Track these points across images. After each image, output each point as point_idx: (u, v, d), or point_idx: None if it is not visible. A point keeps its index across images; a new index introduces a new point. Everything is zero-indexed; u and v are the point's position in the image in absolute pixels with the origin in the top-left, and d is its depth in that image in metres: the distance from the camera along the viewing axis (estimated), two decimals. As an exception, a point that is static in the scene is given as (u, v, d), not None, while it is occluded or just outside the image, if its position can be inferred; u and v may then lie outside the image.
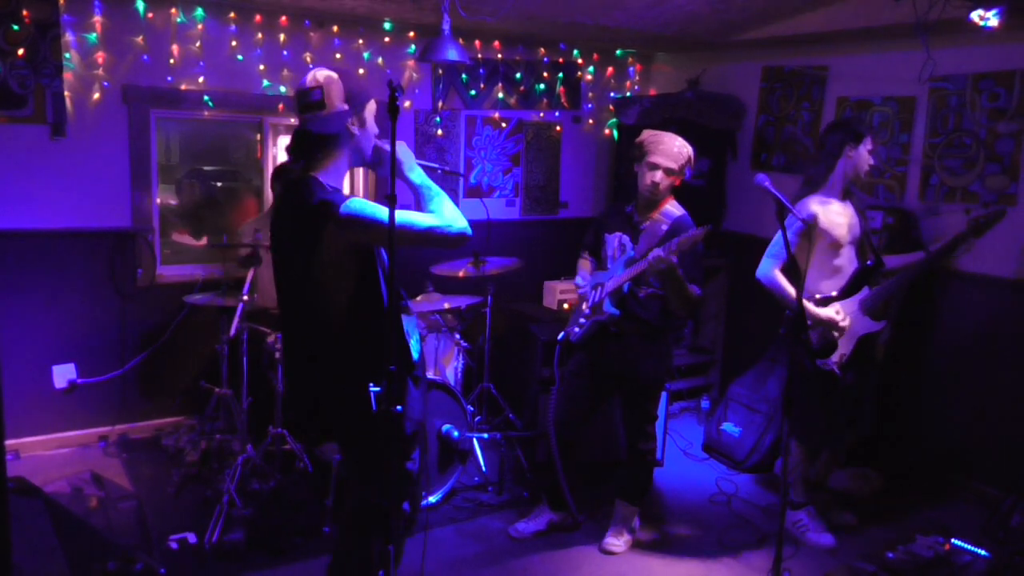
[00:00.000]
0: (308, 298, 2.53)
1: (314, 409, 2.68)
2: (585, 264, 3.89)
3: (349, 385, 2.50)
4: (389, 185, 2.27)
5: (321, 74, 2.51)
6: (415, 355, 2.64)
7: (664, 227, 3.56)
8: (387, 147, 2.52)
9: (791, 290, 3.72)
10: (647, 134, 3.63)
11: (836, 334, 3.81)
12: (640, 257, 3.52)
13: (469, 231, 2.49)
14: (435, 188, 2.57)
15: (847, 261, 3.83)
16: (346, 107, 2.50)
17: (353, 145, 2.56)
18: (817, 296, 3.82)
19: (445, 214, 2.48)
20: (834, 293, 3.83)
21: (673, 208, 3.63)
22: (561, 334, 3.86)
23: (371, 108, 2.58)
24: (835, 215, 3.77)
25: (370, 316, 2.50)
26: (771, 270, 3.79)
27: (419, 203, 2.57)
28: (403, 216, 2.35)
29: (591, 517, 4.12)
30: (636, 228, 3.65)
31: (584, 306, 3.76)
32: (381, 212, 2.35)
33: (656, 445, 3.95)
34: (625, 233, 3.69)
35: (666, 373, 3.89)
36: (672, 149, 3.53)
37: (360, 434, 2.59)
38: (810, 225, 3.73)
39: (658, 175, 3.52)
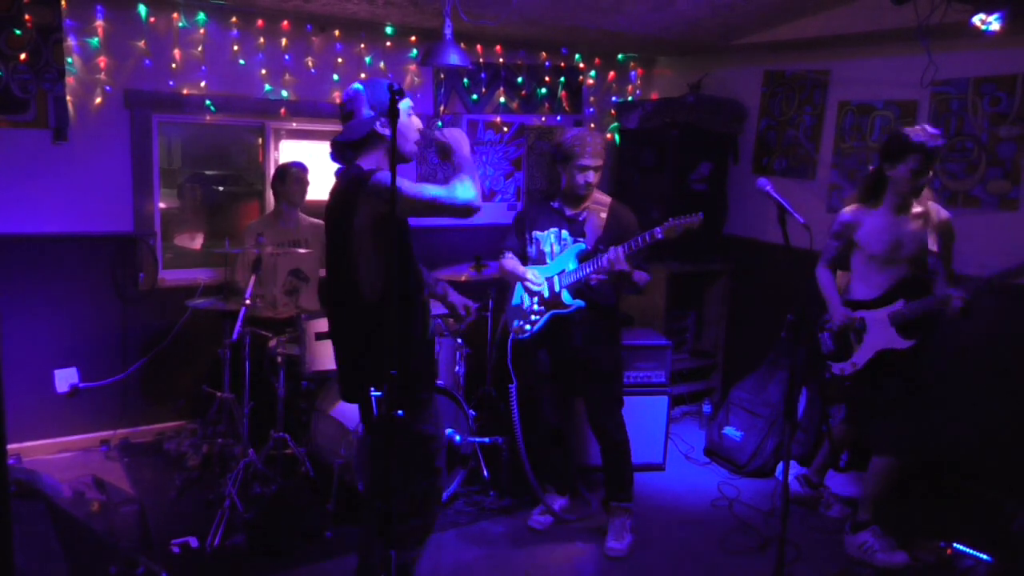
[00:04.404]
0: (345, 270, 2.74)
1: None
2: (513, 264, 3.91)
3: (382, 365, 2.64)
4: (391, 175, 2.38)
5: (351, 89, 2.78)
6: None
7: (603, 214, 3.79)
8: (443, 138, 2.81)
9: (831, 290, 3.88)
10: (571, 137, 3.73)
11: (853, 338, 3.79)
12: (595, 248, 3.69)
13: (475, 203, 2.65)
14: (465, 168, 2.74)
15: (891, 276, 3.71)
16: (372, 113, 2.72)
17: (387, 145, 2.74)
18: (846, 299, 3.86)
19: (456, 188, 2.64)
20: (862, 299, 3.79)
21: (600, 195, 3.85)
22: (511, 336, 3.94)
23: (405, 107, 2.75)
24: (876, 229, 3.70)
25: (401, 294, 2.71)
26: (819, 266, 3.95)
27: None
28: (413, 188, 2.62)
29: (588, 518, 4.13)
30: (574, 220, 3.82)
31: (531, 303, 3.83)
32: (407, 185, 2.60)
33: (627, 433, 3.97)
34: (560, 228, 3.81)
35: (621, 354, 4.03)
36: (599, 148, 3.71)
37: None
38: (845, 231, 3.81)
39: (591, 175, 3.71)
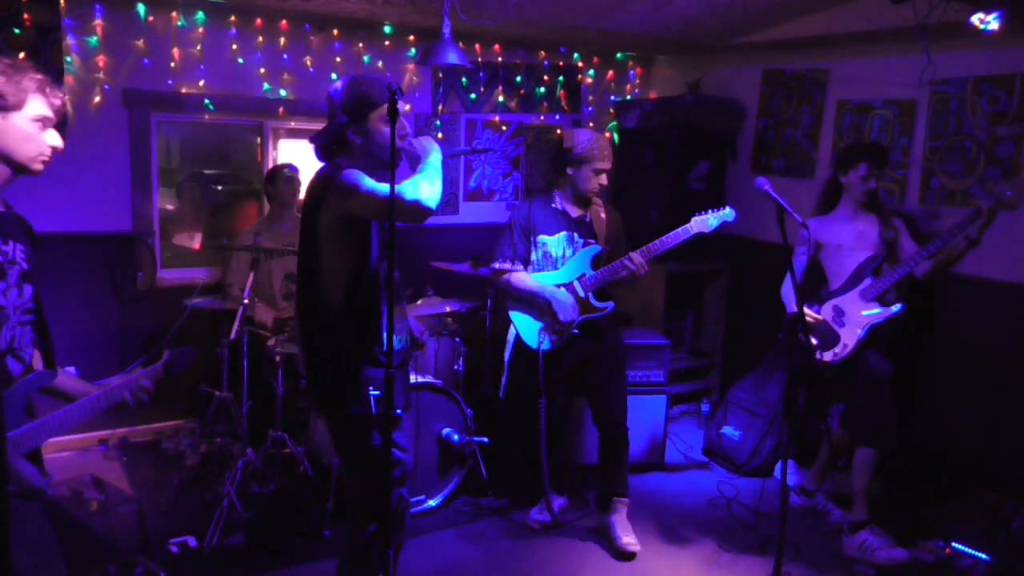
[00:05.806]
0: (310, 269, 2.61)
1: (317, 377, 2.73)
2: (522, 277, 3.83)
3: (342, 362, 2.60)
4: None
5: (332, 86, 2.62)
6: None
7: (603, 213, 3.86)
8: (412, 148, 2.65)
9: (788, 295, 4.03)
10: (588, 140, 3.72)
11: (835, 325, 3.95)
12: (604, 250, 3.76)
13: (423, 203, 2.43)
14: (424, 172, 2.56)
15: (860, 262, 3.96)
16: (344, 118, 2.57)
17: (360, 151, 2.62)
18: (821, 295, 4.04)
19: (406, 187, 2.43)
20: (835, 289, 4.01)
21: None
22: (540, 345, 3.82)
23: (378, 115, 2.58)
24: (837, 226, 4.00)
25: (364, 295, 2.56)
26: (785, 283, 4.04)
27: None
28: (374, 185, 2.45)
29: (587, 517, 4.14)
30: (581, 222, 3.84)
31: (556, 315, 3.77)
32: (367, 182, 2.46)
33: None
34: (571, 231, 3.82)
35: None
36: (611, 152, 3.77)
37: (342, 421, 2.69)
38: (812, 237, 3.97)
39: (604, 178, 3.76)
